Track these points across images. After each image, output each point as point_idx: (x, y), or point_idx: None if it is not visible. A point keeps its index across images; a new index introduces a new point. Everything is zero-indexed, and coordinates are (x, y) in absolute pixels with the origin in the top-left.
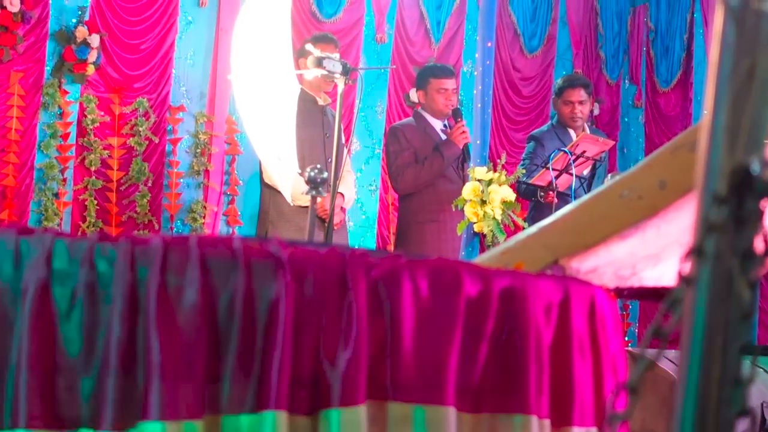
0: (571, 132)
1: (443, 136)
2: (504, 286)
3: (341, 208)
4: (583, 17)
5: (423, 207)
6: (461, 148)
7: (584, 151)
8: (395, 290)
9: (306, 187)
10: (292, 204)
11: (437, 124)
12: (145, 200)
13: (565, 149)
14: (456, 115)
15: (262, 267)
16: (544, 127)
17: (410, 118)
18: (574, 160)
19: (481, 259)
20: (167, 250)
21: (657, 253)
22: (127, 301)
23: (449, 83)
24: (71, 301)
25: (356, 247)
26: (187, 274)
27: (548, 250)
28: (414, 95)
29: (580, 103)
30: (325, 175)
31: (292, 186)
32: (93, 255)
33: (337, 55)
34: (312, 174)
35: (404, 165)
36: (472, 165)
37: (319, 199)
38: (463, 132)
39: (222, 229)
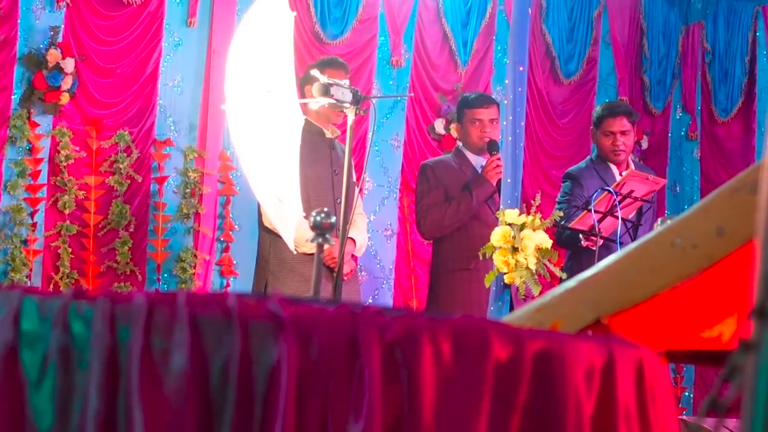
0: (614, 168)
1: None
2: (538, 349)
3: (352, 256)
4: (629, 37)
5: (453, 254)
6: (495, 185)
7: (631, 191)
8: (413, 354)
9: (311, 234)
10: (295, 252)
11: (476, 162)
12: (127, 248)
13: (610, 189)
14: (491, 147)
15: (260, 328)
16: (582, 164)
17: (447, 155)
18: (620, 201)
19: (512, 317)
20: (152, 309)
21: (714, 310)
22: (106, 366)
23: (484, 113)
24: (42, 367)
25: (369, 302)
26: (175, 336)
27: (589, 307)
28: (453, 130)
29: (623, 133)
30: (333, 219)
31: (295, 231)
32: (67, 315)
33: (346, 82)
34: (318, 218)
35: (430, 205)
36: (501, 207)
37: (326, 247)
38: (497, 166)
39: (215, 280)
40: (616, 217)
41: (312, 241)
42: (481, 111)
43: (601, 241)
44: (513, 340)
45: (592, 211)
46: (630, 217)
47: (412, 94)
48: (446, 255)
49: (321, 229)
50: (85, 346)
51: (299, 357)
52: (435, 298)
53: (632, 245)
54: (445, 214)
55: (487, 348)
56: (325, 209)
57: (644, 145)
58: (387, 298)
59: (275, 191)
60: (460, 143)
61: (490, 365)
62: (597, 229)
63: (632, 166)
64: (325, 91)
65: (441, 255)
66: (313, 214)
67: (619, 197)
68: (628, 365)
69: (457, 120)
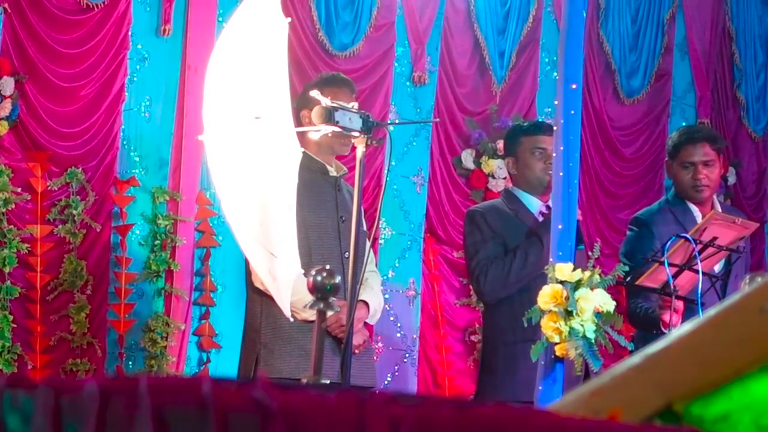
0: (694, 209)
1: (541, 220)
2: None
3: (365, 323)
4: (711, 44)
5: (514, 321)
6: None
7: (714, 238)
8: None
9: (310, 297)
10: (292, 319)
11: (535, 205)
12: (83, 315)
13: (687, 235)
14: None
15: (242, 422)
16: (654, 206)
17: (496, 200)
18: (700, 251)
19: (562, 403)
20: (106, 400)
21: None
22: None
23: (548, 140)
24: None
25: (387, 381)
26: None
27: (658, 390)
28: (498, 168)
29: (705, 164)
30: (337, 279)
31: (292, 293)
32: (1, 407)
33: (354, 105)
34: (319, 278)
35: (488, 259)
36: (551, 260)
37: (329, 314)
38: None
39: (193, 354)
40: (696, 271)
41: (311, 307)
42: (544, 138)
43: (681, 308)
44: None
45: (666, 265)
46: (715, 270)
47: (438, 120)
48: (504, 323)
49: (322, 292)
50: None
51: None
52: (489, 380)
53: (711, 312)
54: (511, 269)
55: None
56: (327, 267)
57: (731, 179)
58: (410, 376)
59: (267, 243)
60: (510, 185)
61: None
62: (672, 287)
63: (718, 206)
64: (329, 116)
65: (497, 323)
66: (313, 272)
67: (699, 246)
68: None
69: (508, 153)
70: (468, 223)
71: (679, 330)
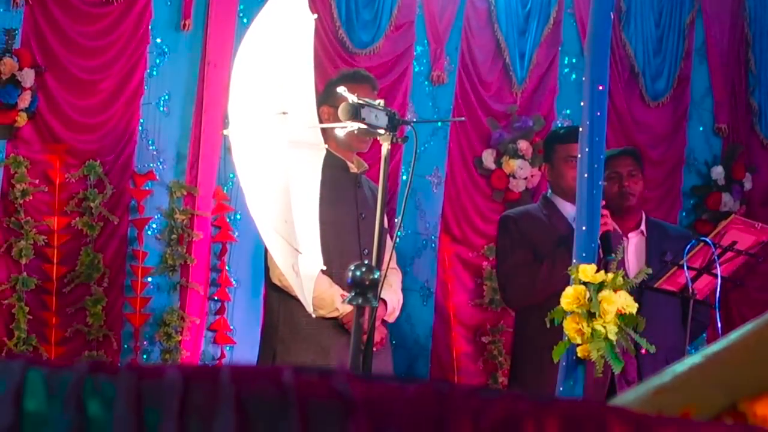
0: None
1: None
2: None
3: (382, 320)
4: (729, 50)
5: (543, 327)
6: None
7: (734, 242)
8: None
9: (331, 291)
10: (314, 315)
11: (570, 212)
12: (99, 307)
13: (707, 239)
14: None
15: (324, 411)
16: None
17: (532, 205)
18: (719, 255)
19: (622, 400)
20: (188, 386)
21: None
22: None
23: None
24: None
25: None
26: (217, 421)
27: (723, 390)
28: (519, 168)
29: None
30: (377, 275)
31: (314, 289)
32: (82, 392)
33: (380, 102)
34: (358, 273)
35: (516, 266)
36: (575, 262)
37: (344, 308)
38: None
39: (207, 349)
40: (715, 275)
41: (349, 302)
42: (577, 147)
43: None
44: (637, 430)
45: (685, 268)
46: (736, 275)
47: (464, 119)
48: (533, 329)
49: (361, 287)
50: None
51: None
52: (518, 382)
53: None
54: (537, 277)
55: None
56: (366, 263)
57: (747, 185)
58: (422, 375)
59: (290, 239)
60: (549, 191)
61: None
62: (690, 290)
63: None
64: (355, 113)
65: (526, 329)
66: (352, 268)
67: (719, 250)
68: None
69: (545, 159)
70: (500, 228)
71: (740, 330)
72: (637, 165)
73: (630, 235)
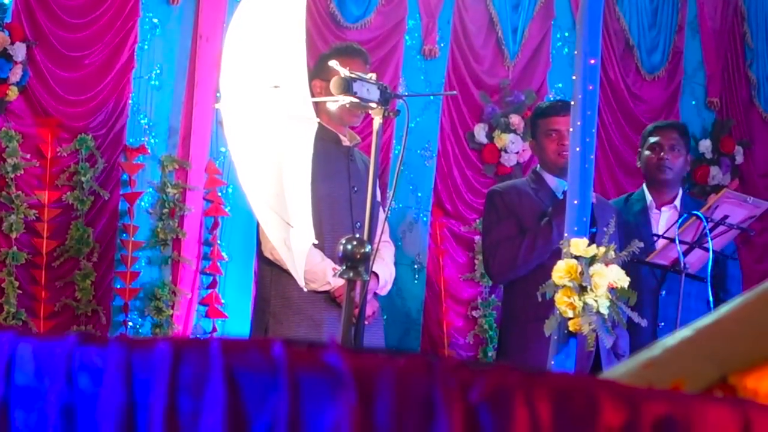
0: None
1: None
2: (659, 415)
3: (374, 294)
4: (722, 23)
5: (528, 300)
6: None
7: (725, 217)
8: (504, 419)
9: (324, 265)
10: (305, 289)
11: (556, 186)
12: (88, 282)
13: (698, 213)
14: None
15: (314, 383)
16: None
17: (520, 179)
18: (711, 230)
19: (613, 374)
20: (178, 358)
21: None
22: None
23: (561, 121)
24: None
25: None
26: (207, 394)
27: (713, 363)
28: (511, 143)
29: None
30: (369, 248)
31: (306, 263)
32: (72, 365)
33: (372, 76)
34: (349, 247)
35: (499, 241)
36: (566, 236)
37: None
38: None
39: (199, 324)
40: (706, 249)
41: (341, 275)
42: (557, 120)
43: None
44: (628, 404)
45: (677, 242)
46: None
47: (455, 92)
48: (520, 301)
49: (352, 261)
50: (94, 405)
51: (363, 420)
52: (505, 355)
53: (763, 285)
54: (519, 251)
55: (596, 413)
56: (357, 236)
57: (738, 158)
58: (413, 349)
59: (282, 213)
60: (538, 165)
61: None
62: (682, 264)
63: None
64: (347, 87)
65: (513, 301)
66: (343, 241)
67: (711, 224)
68: None
69: (531, 135)
70: (487, 202)
71: (730, 303)
72: (682, 140)
73: (663, 208)
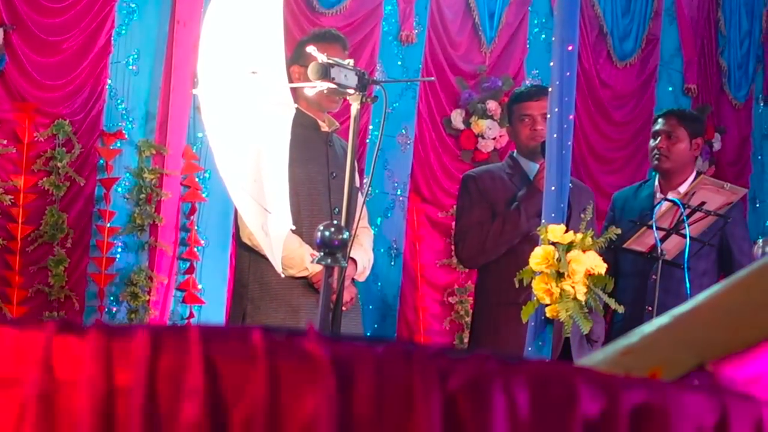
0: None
1: None
2: (636, 403)
3: (352, 280)
4: (699, 9)
5: (500, 284)
6: None
7: (702, 203)
8: (481, 407)
9: (301, 250)
10: (283, 275)
11: (530, 169)
12: (62, 268)
13: (675, 200)
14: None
15: (292, 371)
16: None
17: (496, 164)
18: (688, 216)
19: (590, 361)
20: (157, 347)
21: None
22: (98, 420)
23: (534, 106)
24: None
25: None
26: (187, 382)
27: (690, 351)
28: (488, 129)
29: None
30: (346, 235)
31: (283, 249)
32: (50, 353)
33: (349, 62)
34: (327, 233)
35: (470, 226)
36: (543, 222)
37: (314, 267)
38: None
39: (176, 309)
40: (683, 236)
41: (318, 261)
42: (530, 105)
43: None
44: (605, 392)
45: (654, 228)
46: (704, 235)
47: (433, 78)
48: (491, 285)
49: (330, 247)
50: (72, 394)
51: (341, 408)
52: (476, 339)
53: (741, 273)
54: (488, 236)
55: (574, 401)
56: (335, 222)
57: (716, 145)
58: (389, 335)
59: (260, 199)
60: (515, 150)
61: (577, 422)
62: (659, 251)
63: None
64: (324, 73)
65: (485, 285)
66: (320, 228)
67: (687, 210)
68: (745, 422)
69: (508, 121)
70: (461, 186)
71: (708, 292)
72: (681, 126)
73: (670, 194)
